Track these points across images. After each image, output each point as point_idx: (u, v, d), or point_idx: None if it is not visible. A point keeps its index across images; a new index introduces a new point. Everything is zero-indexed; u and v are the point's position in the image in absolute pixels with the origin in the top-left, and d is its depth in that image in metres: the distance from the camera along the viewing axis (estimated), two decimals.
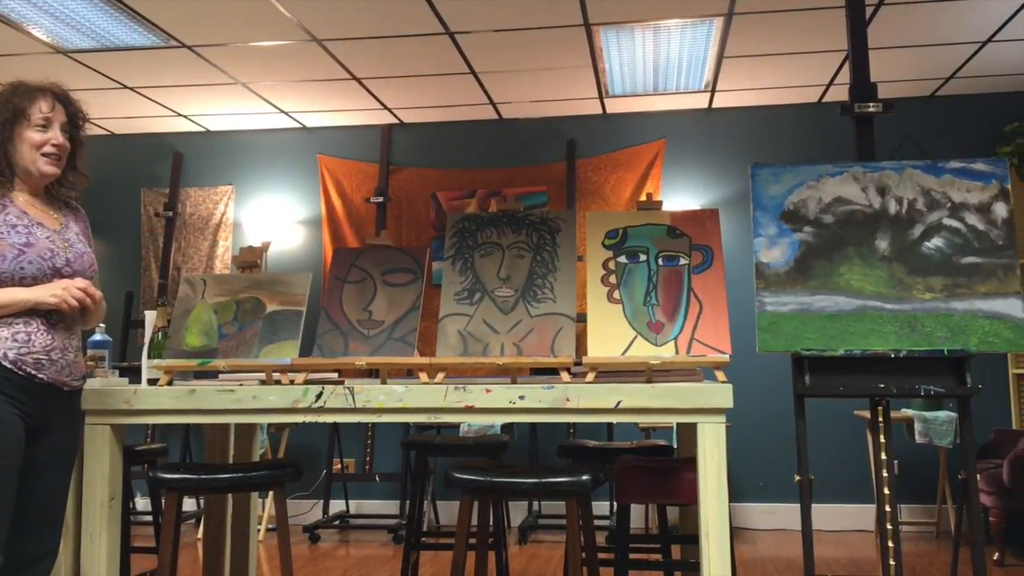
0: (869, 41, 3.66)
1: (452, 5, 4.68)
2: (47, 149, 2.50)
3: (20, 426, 2.36)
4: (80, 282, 2.48)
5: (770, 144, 6.38)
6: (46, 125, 2.50)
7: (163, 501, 3.07)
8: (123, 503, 3.13)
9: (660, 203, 3.06)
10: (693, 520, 3.43)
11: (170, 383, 2.91)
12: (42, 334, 2.43)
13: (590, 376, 2.73)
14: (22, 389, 2.38)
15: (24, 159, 2.49)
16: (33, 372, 2.40)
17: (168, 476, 2.91)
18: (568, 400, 2.60)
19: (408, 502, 5.91)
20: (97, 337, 3.33)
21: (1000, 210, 3.05)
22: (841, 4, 4.30)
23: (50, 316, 2.46)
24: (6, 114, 2.47)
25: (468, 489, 2.78)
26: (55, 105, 2.52)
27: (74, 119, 2.58)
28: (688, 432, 3.54)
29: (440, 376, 2.82)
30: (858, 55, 3.41)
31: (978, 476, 4.82)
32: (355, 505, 6.50)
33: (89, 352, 3.26)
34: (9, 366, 2.35)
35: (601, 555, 3.85)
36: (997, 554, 4.86)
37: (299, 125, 6.85)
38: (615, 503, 5.84)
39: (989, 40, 5.24)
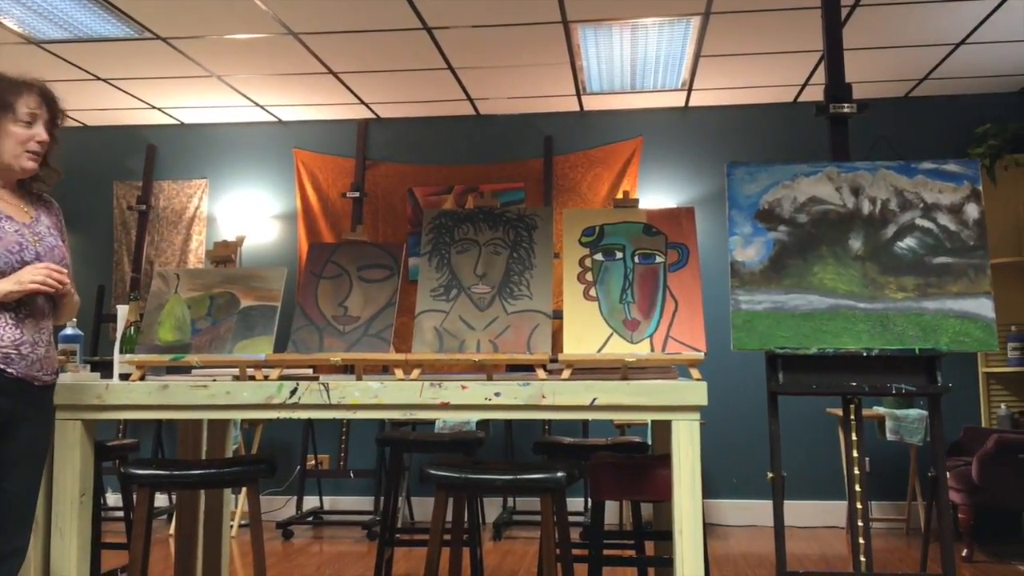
0: (844, 42, 3.69)
1: (430, 0, 4.67)
2: (32, 146, 2.48)
3: None
4: (43, 264, 2.45)
5: (746, 143, 6.42)
6: (31, 121, 2.48)
7: (134, 497, 3.05)
8: (94, 499, 3.09)
9: (637, 201, 3.08)
10: (667, 516, 3.45)
11: (142, 378, 2.88)
12: (10, 328, 2.39)
13: (566, 373, 2.74)
14: None
15: (7, 154, 2.46)
16: (2, 367, 2.36)
17: (140, 472, 2.88)
18: (544, 397, 2.60)
19: (383, 498, 5.90)
20: (68, 331, 3.30)
21: (972, 211, 3.09)
22: (817, 5, 4.34)
23: (18, 310, 2.42)
24: None
25: (443, 485, 2.77)
26: (42, 103, 2.50)
27: (55, 118, 2.55)
28: (663, 429, 3.55)
29: (416, 372, 2.81)
30: (833, 56, 3.44)
31: (948, 473, 4.88)
32: (329, 501, 6.48)
33: (60, 347, 3.22)
34: None
35: (575, 551, 3.86)
36: (966, 550, 4.92)
37: (275, 119, 6.81)
38: (590, 499, 5.85)
39: (963, 42, 5.30)
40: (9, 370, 2.38)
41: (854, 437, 3.09)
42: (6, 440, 2.40)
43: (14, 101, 2.45)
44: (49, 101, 2.53)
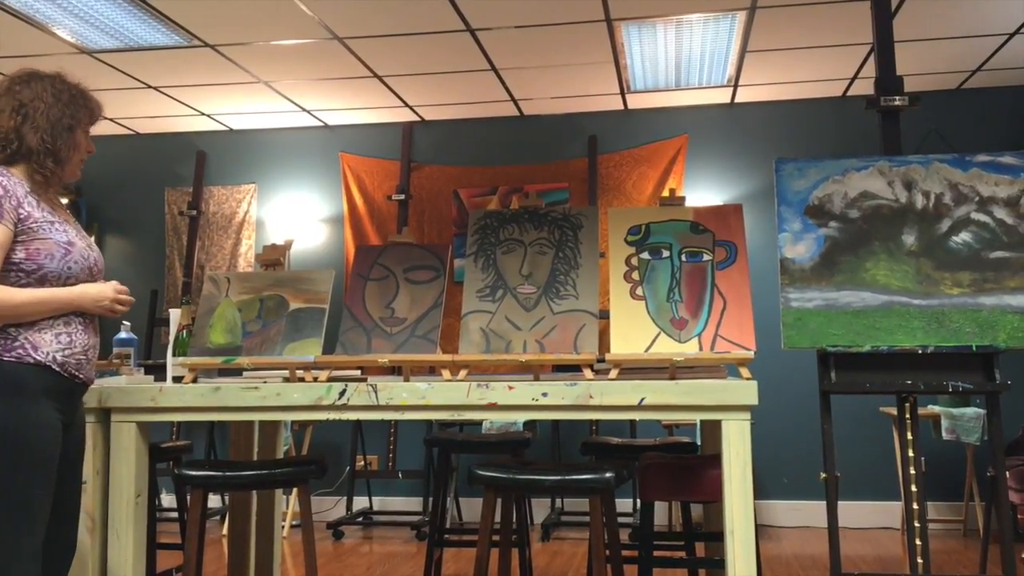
0: (894, 34, 3.62)
1: (473, 2, 4.67)
2: (85, 157, 2.56)
3: (60, 429, 2.39)
4: (117, 285, 2.52)
5: (794, 139, 6.33)
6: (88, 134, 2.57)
7: (188, 498, 3.10)
8: (149, 500, 3.15)
9: (683, 199, 3.04)
10: (718, 517, 3.42)
11: (195, 381, 2.93)
12: (80, 334, 2.45)
13: (613, 373, 2.72)
14: (64, 391, 2.41)
15: (74, 164, 2.52)
16: (75, 373, 2.42)
17: (193, 473, 2.93)
18: (591, 397, 2.59)
19: (431, 499, 5.92)
20: (123, 335, 3.36)
21: None
22: None
23: (84, 315, 2.48)
24: (82, 115, 2.49)
25: (491, 486, 2.78)
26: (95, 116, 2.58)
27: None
28: (712, 429, 3.52)
29: (463, 373, 2.82)
30: (883, 48, 3.38)
31: (1007, 473, 4.76)
32: (378, 502, 6.52)
33: (115, 350, 3.29)
34: (57, 369, 2.37)
35: (625, 552, 3.84)
36: None
37: (321, 123, 6.87)
38: (639, 500, 5.81)
39: (1016, 32, 5.17)
40: (80, 376, 2.44)
41: (909, 436, 3.03)
42: (67, 441, 2.46)
43: (89, 115, 2.52)
44: (98, 116, 2.59)
